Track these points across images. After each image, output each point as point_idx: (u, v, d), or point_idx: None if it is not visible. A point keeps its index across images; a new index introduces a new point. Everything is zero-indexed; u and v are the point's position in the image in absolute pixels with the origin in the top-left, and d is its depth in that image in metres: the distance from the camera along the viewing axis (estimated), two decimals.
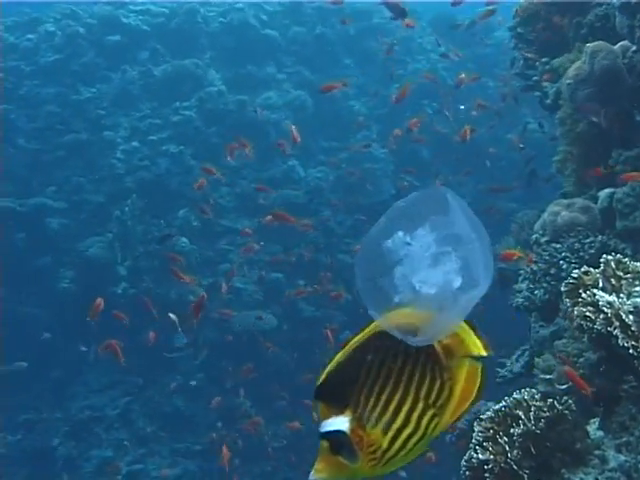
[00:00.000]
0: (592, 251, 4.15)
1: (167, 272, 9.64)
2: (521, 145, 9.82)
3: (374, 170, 11.50)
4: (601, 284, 3.09)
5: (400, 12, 7.72)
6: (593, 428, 3.25)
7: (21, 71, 11.65)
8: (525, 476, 2.96)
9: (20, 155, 10.76)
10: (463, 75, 10.10)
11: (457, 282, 1.61)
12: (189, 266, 9.86)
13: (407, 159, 11.76)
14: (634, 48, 4.28)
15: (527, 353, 4.76)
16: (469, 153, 10.56)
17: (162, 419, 9.44)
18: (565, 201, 4.52)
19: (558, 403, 3.10)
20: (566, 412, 3.10)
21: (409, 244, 1.68)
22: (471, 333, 1.41)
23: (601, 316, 2.93)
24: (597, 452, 3.08)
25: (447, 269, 1.63)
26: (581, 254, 4.21)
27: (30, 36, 12.18)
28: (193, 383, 9.48)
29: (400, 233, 1.72)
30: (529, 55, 5.67)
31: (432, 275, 1.62)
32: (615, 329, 2.89)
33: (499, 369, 4.93)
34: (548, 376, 3.58)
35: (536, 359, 4.00)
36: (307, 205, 10.69)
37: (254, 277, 10.30)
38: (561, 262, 4.24)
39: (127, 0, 13.05)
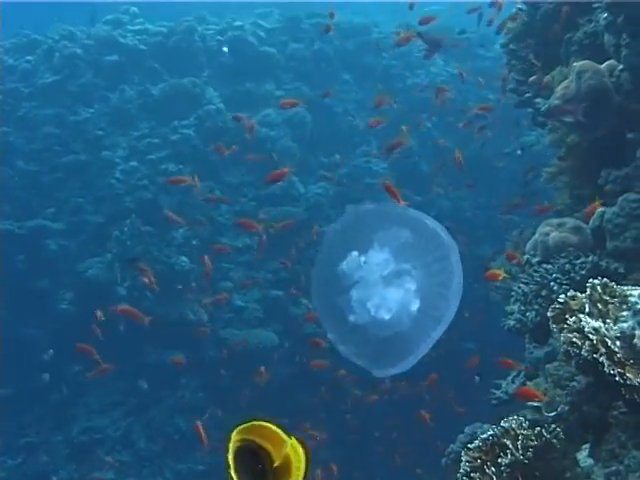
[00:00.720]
0: (583, 272, 4.09)
1: (167, 291, 9.62)
2: (519, 151, 9.78)
3: (373, 185, 11.45)
4: (587, 309, 3.03)
5: (435, 44, 7.63)
6: (584, 455, 3.19)
7: (20, 93, 11.66)
8: None
9: (19, 177, 10.76)
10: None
11: (415, 304, 1.56)
12: (189, 285, 9.83)
13: (406, 173, 11.73)
14: (621, 67, 4.24)
15: (522, 374, 4.69)
16: (469, 166, 10.55)
17: (164, 439, 9.39)
18: (556, 221, 4.47)
19: (546, 431, 3.04)
20: (554, 441, 3.04)
21: (363, 265, 1.63)
22: (300, 458, 1.46)
23: (587, 343, 2.87)
24: None
25: (403, 292, 1.59)
26: (572, 275, 4.15)
27: (29, 58, 12.20)
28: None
29: (354, 253, 1.66)
30: (529, 61, 5.63)
31: (387, 298, 1.58)
32: (601, 356, 2.84)
33: (495, 390, 4.87)
34: (536, 403, 3.52)
35: (527, 383, 3.94)
36: (307, 221, 10.64)
37: (255, 295, 10.27)
38: (552, 284, 4.18)
39: (125, 20, 13.09)
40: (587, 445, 3.20)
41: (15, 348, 9.25)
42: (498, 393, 4.81)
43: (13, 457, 9.24)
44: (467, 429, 4.80)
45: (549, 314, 3.14)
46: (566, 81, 4.33)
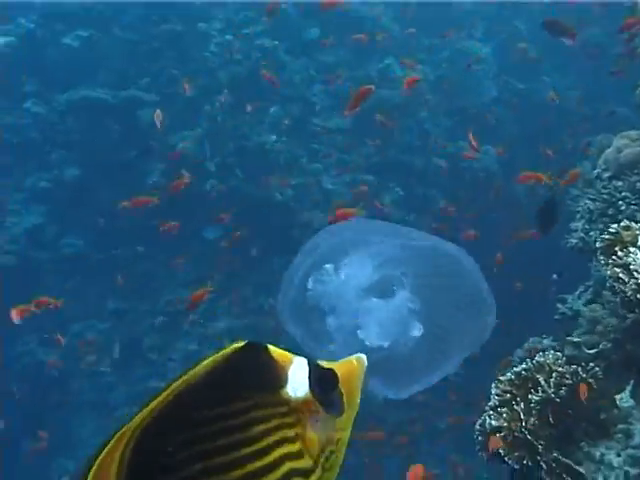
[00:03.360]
0: None
1: (255, 170, 9.55)
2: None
3: (476, 71, 10.98)
4: None
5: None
6: (626, 395, 2.97)
7: None
8: (539, 447, 2.73)
9: (116, 46, 10.68)
10: None
11: (416, 329, 1.38)
12: (277, 165, 9.73)
13: (512, 58, 11.21)
14: None
15: (591, 290, 4.43)
16: (579, 52, 10.06)
17: (250, 315, 9.45)
18: (634, 133, 4.09)
19: (583, 370, 2.84)
20: (591, 380, 2.84)
21: (339, 278, 1.47)
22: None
23: (632, 280, 2.62)
24: (622, 426, 2.81)
25: (401, 310, 1.43)
26: None
27: None
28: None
29: (328, 266, 1.49)
30: None
31: (378, 319, 1.40)
32: None
33: (559, 304, 4.62)
34: (576, 339, 3.28)
35: (582, 308, 3.70)
36: (404, 106, 10.31)
37: (345, 179, 10.09)
38: (620, 202, 3.86)
39: None
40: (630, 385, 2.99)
41: (107, 219, 9.42)
42: (562, 308, 4.56)
43: (102, 321, 9.49)
44: (527, 343, 4.58)
45: (597, 245, 2.88)
46: None
